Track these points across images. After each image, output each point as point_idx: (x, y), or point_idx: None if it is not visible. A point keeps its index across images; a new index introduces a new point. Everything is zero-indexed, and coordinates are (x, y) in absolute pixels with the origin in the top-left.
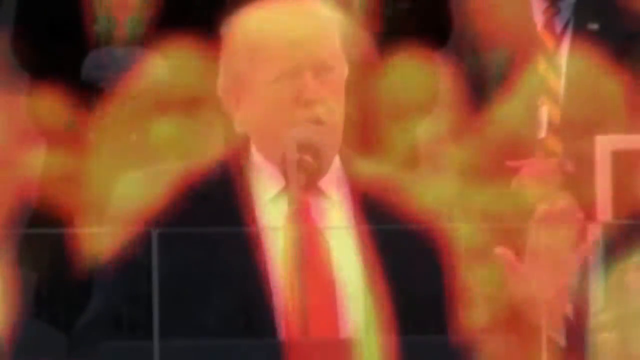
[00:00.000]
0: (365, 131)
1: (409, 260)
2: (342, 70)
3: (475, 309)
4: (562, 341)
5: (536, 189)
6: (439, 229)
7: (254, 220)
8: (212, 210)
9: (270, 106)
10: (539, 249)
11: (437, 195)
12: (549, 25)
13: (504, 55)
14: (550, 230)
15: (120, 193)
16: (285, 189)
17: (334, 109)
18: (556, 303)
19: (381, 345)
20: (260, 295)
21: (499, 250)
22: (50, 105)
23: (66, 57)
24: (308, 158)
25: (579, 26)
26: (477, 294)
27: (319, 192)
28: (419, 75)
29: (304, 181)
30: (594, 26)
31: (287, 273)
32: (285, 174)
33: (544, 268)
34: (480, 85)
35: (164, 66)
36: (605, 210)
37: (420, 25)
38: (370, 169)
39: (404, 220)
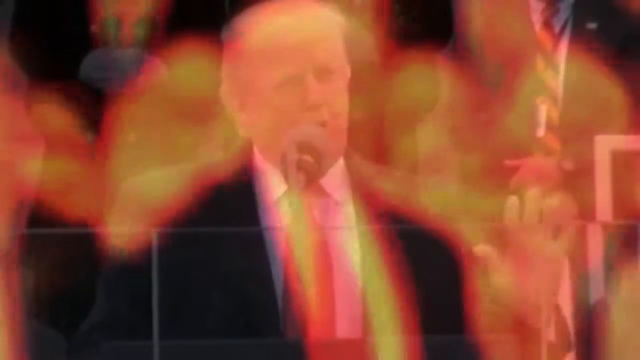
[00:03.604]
0: (369, 133)
1: (412, 261)
2: (345, 73)
3: (479, 308)
4: (550, 336)
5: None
6: (442, 230)
7: (257, 223)
8: (215, 213)
9: (275, 111)
10: (519, 247)
11: (439, 196)
12: (547, 25)
13: (503, 55)
14: (530, 228)
15: (123, 195)
16: (288, 191)
17: (338, 112)
18: (542, 298)
19: (383, 346)
20: (260, 296)
21: (479, 247)
22: (51, 106)
23: (72, 60)
24: (308, 158)
25: (577, 26)
26: (482, 294)
27: (323, 193)
28: (420, 76)
29: (303, 181)
30: (593, 26)
31: (290, 273)
32: (285, 173)
33: (526, 265)
34: (480, 86)
35: (166, 68)
36: (605, 210)
37: (421, 26)
38: (373, 170)
39: (407, 220)
